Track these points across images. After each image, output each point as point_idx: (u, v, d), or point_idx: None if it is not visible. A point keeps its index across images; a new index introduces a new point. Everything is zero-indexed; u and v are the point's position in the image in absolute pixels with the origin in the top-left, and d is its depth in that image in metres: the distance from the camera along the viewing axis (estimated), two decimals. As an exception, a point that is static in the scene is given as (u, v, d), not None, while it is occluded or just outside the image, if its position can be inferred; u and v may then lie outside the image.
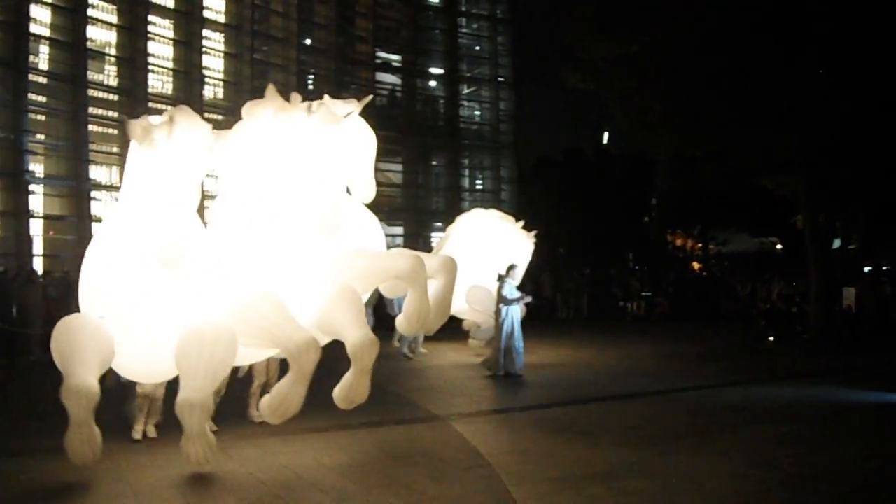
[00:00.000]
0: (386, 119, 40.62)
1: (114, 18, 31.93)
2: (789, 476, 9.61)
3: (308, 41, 39.41)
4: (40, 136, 29.44)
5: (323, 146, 10.02)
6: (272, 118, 9.95)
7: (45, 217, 29.39)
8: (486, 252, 20.21)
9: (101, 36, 31.70)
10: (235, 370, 11.92)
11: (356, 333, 9.80)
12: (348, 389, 10.00)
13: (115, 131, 31.42)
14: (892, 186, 25.77)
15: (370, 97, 11.52)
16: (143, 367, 10.26)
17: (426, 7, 44.90)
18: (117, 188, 30.41)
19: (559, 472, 9.70)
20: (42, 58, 29.80)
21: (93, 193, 30.21)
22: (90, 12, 30.67)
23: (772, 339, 24.57)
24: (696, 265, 47.72)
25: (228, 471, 9.65)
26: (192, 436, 9.12)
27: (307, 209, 9.76)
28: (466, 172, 46.08)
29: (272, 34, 37.40)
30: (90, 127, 30.25)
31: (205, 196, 10.98)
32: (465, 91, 46.42)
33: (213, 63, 35.13)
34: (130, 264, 9.47)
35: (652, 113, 27.04)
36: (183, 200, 9.95)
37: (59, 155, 29.86)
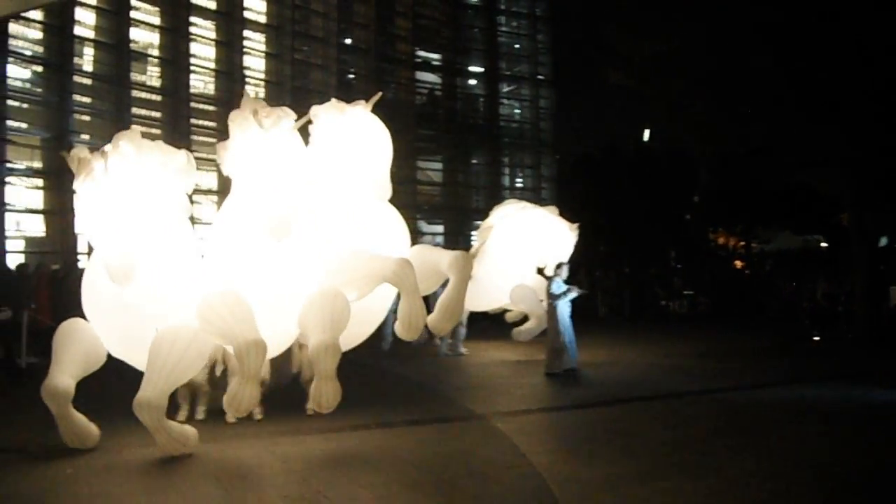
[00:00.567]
0: (426, 118, 40.74)
1: (156, 20, 32.21)
2: (832, 478, 9.53)
3: (348, 41, 39.52)
4: (85, 137, 29.72)
5: (274, 153, 10.72)
6: (234, 129, 11.02)
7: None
8: (529, 245, 20.24)
9: (144, 37, 32.00)
10: (281, 363, 12.46)
11: (316, 338, 10.44)
12: (317, 395, 10.52)
13: (158, 132, 31.69)
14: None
15: (379, 95, 12.19)
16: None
17: (466, 6, 44.87)
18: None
19: (601, 471, 9.64)
20: (87, 59, 30.12)
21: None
22: (133, 14, 30.98)
23: (816, 338, 24.31)
24: (738, 263, 47.33)
25: (270, 466, 9.72)
26: (153, 430, 9.83)
27: (259, 213, 10.53)
28: (506, 171, 46.08)
29: (312, 34, 37.53)
30: (134, 127, 30.38)
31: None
32: (505, 89, 46.35)
33: (255, 63, 35.33)
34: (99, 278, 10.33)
35: (694, 110, 26.92)
36: (142, 218, 10.25)
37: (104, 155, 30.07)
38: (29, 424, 11.86)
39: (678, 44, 25.49)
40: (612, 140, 46.91)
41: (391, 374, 16.47)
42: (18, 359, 17.05)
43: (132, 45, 30.79)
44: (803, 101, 23.49)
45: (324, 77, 37.24)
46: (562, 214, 21.13)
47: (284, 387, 13.37)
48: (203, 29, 33.61)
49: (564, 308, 17.22)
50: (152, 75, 32.29)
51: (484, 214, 21.83)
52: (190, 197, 10.97)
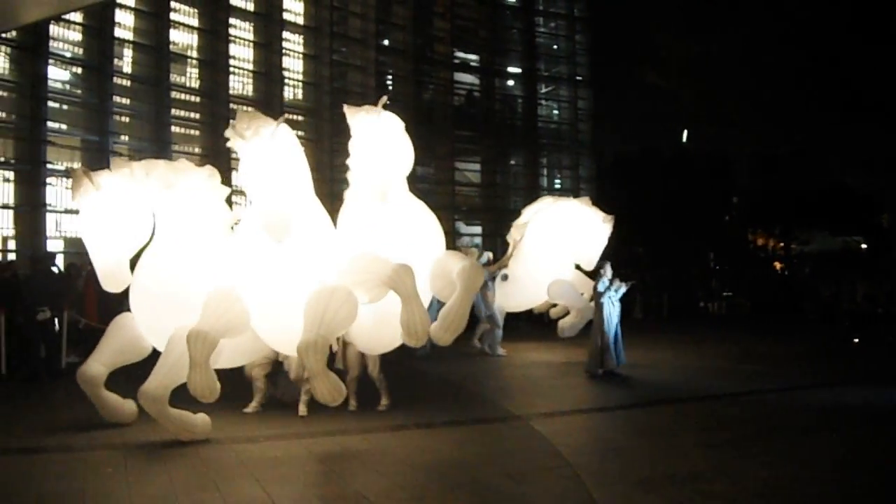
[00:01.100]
0: (464, 119, 40.68)
1: (195, 22, 32.30)
2: (872, 482, 9.45)
3: (386, 42, 39.50)
4: (125, 138, 29.88)
5: (268, 159, 10.97)
6: (233, 139, 11.38)
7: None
8: (564, 239, 20.19)
9: (183, 39, 32.10)
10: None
11: (303, 336, 10.73)
12: (314, 392, 10.93)
13: (198, 133, 31.86)
14: None
15: (384, 99, 12.77)
16: None
17: (503, 6, 44.74)
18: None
19: (641, 473, 9.61)
20: (126, 61, 30.25)
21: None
22: (172, 16, 31.10)
23: (856, 340, 24.14)
24: (777, 265, 47.08)
25: (309, 465, 9.75)
26: (156, 418, 10.96)
27: (257, 216, 11.03)
28: (545, 172, 45.90)
29: (351, 35, 37.53)
30: (173, 128, 30.67)
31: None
32: (543, 90, 46.19)
33: (293, 64, 35.36)
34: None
35: (733, 111, 26.81)
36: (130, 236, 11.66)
37: (142, 156, 30.23)
38: (68, 424, 11.99)
39: (717, 45, 25.41)
40: (650, 141, 46.75)
41: (429, 376, 16.45)
42: (59, 358, 17.12)
43: (171, 47, 30.89)
44: (845, 101, 23.33)
45: (362, 78, 37.25)
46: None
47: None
48: (242, 30, 33.70)
49: (610, 307, 17.10)
50: (191, 77, 32.41)
51: (522, 215, 21.74)
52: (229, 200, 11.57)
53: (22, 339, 16.75)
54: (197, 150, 31.76)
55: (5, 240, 26.47)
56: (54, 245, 26.87)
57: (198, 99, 32.07)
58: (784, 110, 24.88)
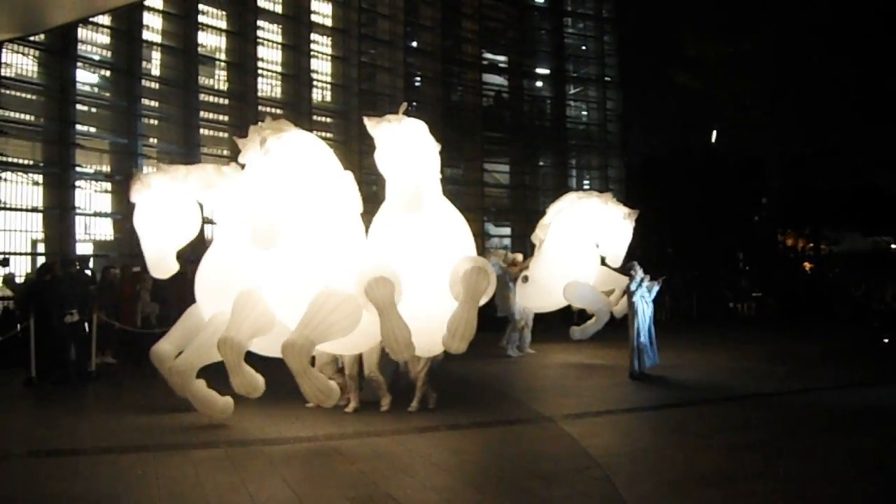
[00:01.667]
0: (493, 120, 40.64)
1: (223, 24, 32.37)
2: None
3: (414, 43, 39.47)
4: (153, 141, 29.97)
5: (259, 171, 11.41)
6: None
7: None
8: (585, 237, 20.09)
9: (212, 41, 32.19)
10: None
11: (290, 336, 11.21)
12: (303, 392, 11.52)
13: (226, 135, 31.90)
14: None
15: (404, 106, 12.41)
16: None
17: (532, 7, 44.68)
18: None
19: (670, 474, 9.56)
20: (154, 64, 30.35)
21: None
22: (201, 18, 31.17)
23: (886, 341, 23.98)
24: (807, 265, 46.88)
25: (338, 467, 9.71)
26: (185, 394, 12.37)
27: (247, 225, 11.38)
28: (574, 173, 45.73)
29: (379, 37, 37.52)
30: (201, 131, 30.71)
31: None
32: (572, 91, 46.06)
33: (321, 66, 35.40)
34: None
35: (763, 111, 26.69)
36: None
37: (171, 159, 30.33)
38: (97, 427, 12.03)
39: (748, 46, 25.31)
40: (679, 141, 46.61)
41: (458, 377, 16.37)
42: (88, 360, 17.19)
43: (199, 50, 30.96)
44: (876, 101, 23.18)
45: (391, 80, 37.24)
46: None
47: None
48: (270, 33, 33.74)
49: (642, 306, 16.99)
50: (220, 79, 32.47)
51: (552, 217, 21.60)
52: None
53: (52, 342, 16.78)
54: (225, 152, 31.77)
55: (35, 243, 26.59)
56: (83, 248, 26.95)
57: (226, 101, 32.14)
58: (814, 110, 24.73)
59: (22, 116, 26.06)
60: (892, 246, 47.33)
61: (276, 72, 33.66)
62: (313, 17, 34.77)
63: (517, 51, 42.72)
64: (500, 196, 41.59)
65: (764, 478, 9.36)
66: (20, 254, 25.45)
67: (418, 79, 39.57)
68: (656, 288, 17.42)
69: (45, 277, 17.64)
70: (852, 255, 45.51)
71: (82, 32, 27.34)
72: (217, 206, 13.56)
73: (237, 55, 32.22)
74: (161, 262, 12.86)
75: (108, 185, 28.45)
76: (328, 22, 35.97)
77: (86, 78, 28.10)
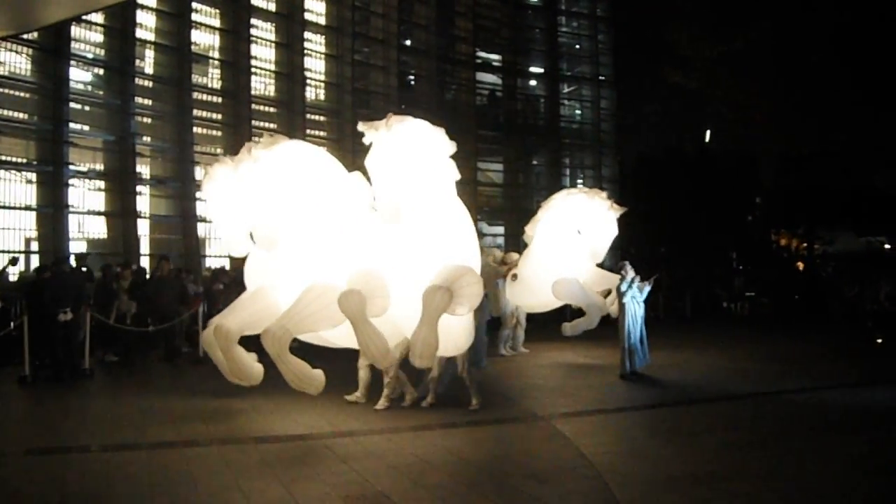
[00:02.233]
0: (487, 119, 40.67)
1: (217, 22, 32.36)
2: (896, 482, 9.39)
3: (408, 42, 39.50)
4: (147, 139, 29.94)
5: (259, 178, 12.60)
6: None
7: (152, 217, 29.90)
8: (571, 234, 20.07)
9: (205, 40, 32.17)
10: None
11: (270, 324, 12.11)
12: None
13: (220, 133, 31.90)
14: None
15: (390, 116, 12.63)
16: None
17: (526, 6, 44.71)
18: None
19: (663, 473, 9.57)
20: (148, 62, 30.34)
21: (198, 194, 30.63)
22: (194, 17, 31.19)
23: (880, 340, 24.04)
24: (800, 265, 46.90)
25: (331, 466, 9.70)
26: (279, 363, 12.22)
27: (254, 228, 12.61)
28: (567, 172, 45.76)
29: (372, 35, 37.51)
30: (195, 129, 30.71)
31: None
32: (566, 90, 46.15)
33: (315, 65, 35.39)
34: None
35: (756, 110, 26.71)
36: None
37: (164, 157, 30.37)
38: (91, 424, 12.05)
39: (741, 44, 25.33)
40: (673, 141, 46.66)
41: (450, 376, 16.38)
42: (82, 359, 17.19)
43: (193, 48, 30.95)
44: (872, 101, 23.20)
45: (384, 78, 37.25)
46: (623, 214, 20.94)
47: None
48: (263, 31, 33.73)
49: (633, 306, 17.01)
50: (213, 77, 32.46)
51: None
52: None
53: (47, 341, 16.78)
54: (219, 150, 31.77)
55: (28, 241, 26.56)
56: (77, 246, 26.92)
57: (219, 99, 32.13)
58: (809, 110, 24.75)
59: (15, 114, 26.03)
60: (886, 246, 47.37)
61: (269, 70, 33.64)
62: (307, 16, 34.76)
63: (511, 49, 42.75)
64: (494, 195, 41.62)
65: (758, 477, 9.35)
66: (13, 252, 25.42)
67: (412, 77, 39.62)
68: (647, 288, 17.44)
69: (45, 275, 17.62)
70: (846, 255, 45.59)
71: (76, 30, 27.35)
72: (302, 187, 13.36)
73: (231, 53, 32.20)
74: (234, 244, 13.52)
75: (101, 184, 28.40)
76: (322, 20, 35.97)
77: (79, 76, 28.09)
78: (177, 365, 19.29)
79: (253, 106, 31.91)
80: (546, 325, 23.38)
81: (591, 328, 20.52)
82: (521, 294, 20.65)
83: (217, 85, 32.36)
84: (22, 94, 26.56)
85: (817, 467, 9.79)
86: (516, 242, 35.36)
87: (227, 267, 25.30)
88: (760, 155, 39.43)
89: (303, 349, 13.76)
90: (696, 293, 33.40)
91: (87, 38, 28.26)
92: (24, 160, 26.47)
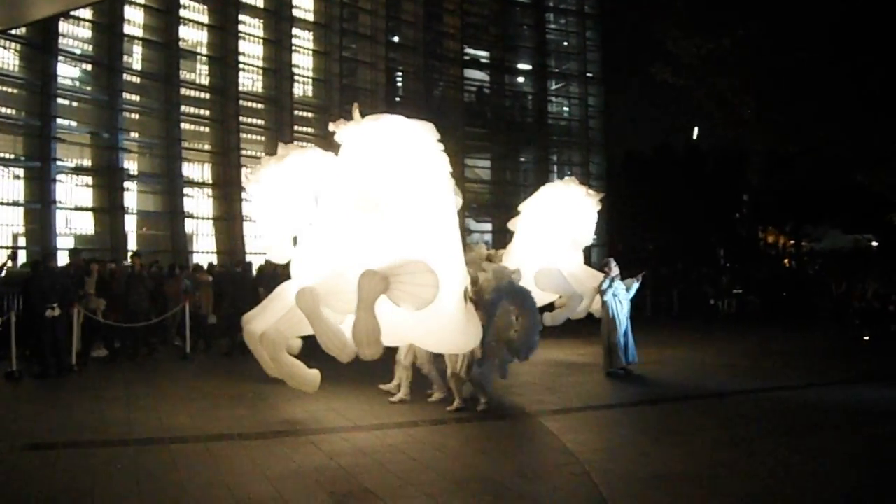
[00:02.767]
0: (474, 116, 40.69)
1: (205, 18, 32.37)
2: (884, 479, 9.39)
3: (396, 38, 39.54)
4: (134, 135, 29.98)
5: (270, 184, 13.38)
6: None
7: (139, 213, 29.89)
8: (552, 225, 19.96)
9: (193, 36, 32.16)
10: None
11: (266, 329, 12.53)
12: None
13: (207, 129, 31.89)
14: None
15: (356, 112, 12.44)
16: None
17: (514, 3, 44.74)
18: (208, 185, 30.90)
19: (650, 470, 9.56)
20: (136, 58, 30.37)
21: (185, 190, 30.65)
22: (182, 13, 31.21)
23: (867, 338, 24.09)
24: (787, 262, 47.01)
25: (319, 464, 9.69)
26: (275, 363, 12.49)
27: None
28: (555, 168, 45.77)
29: (360, 32, 37.53)
30: (182, 125, 30.72)
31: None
32: (554, 87, 46.24)
33: (303, 61, 35.42)
34: None
35: (744, 108, 26.70)
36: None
37: (152, 152, 30.37)
38: (78, 421, 12.04)
39: (728, 41, 25.31)
40: (661, 138, 46.76)
41: (439, 372, 16.39)
42: (69, 355, 17.15)
43: (181, 44, 30.96)
44: (857, 100, 23.22)
45: (372, 75, 37.27)
46: (610, 213, 20.92)
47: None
48: (251, 27, 33.74)
49: (615, 304, 17.01)
50: (201, 73, 32.45)
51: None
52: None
53: (34, 336, 16.75)
54: (207, 146, 31.83)
55: (15, 237, 26.53)
56: (64, 242, 26.89)
57: (207, 96, 32.15)
58: (797, 108, 24.75)
59: (2, 110, 26.04)
60: (873, 243, 47.51)
61: (257, 66, 33.66)
62: (295, 12, 34.78)
63: (499, 46, 42.82)
64: (482, 191, 41.61)
65: (746, 474, 9.37)
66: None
67: (400, 74, 39.61)
68: (636, 285, 17.45)
69: (39, 270, 17.56)
70: (833, 253, 45.69)
71: (63, 26, 27.33)
72: (321, 189, 13.26)
73: (218, 49, 32.20)
74: (276, 248, 13.61)
75: (88, 179, 28.38)
76: (309, 17, 35.99)
77: (67, 72, 28.08)
78: (138, 364, 18.99)
79: (241, 102, 31.94)
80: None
81: (573, 317, 20.37)
82: None
83: (205, 81, 32.37)
84: (9, 90, 26.56)
85: (805, 464, 9.80)
86: (504, 239, 35.41)
87: (213, 263, 25.32)
88: (748, 152, 39.44)
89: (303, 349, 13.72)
90: (683, 290, 33.42)
91: (75, 33, 28.26)
92: (12, 156, 26.46)
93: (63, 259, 21.82)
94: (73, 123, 28.36)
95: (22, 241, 26.53)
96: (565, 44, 46.52)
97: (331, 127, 12.37)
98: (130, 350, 19.22)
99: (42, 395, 14.85)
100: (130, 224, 29.41)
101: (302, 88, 35.40)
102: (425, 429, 11.66)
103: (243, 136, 32.05)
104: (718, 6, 25.28)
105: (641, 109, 50.00)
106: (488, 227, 41.42)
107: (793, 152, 30.09)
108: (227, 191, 31.62)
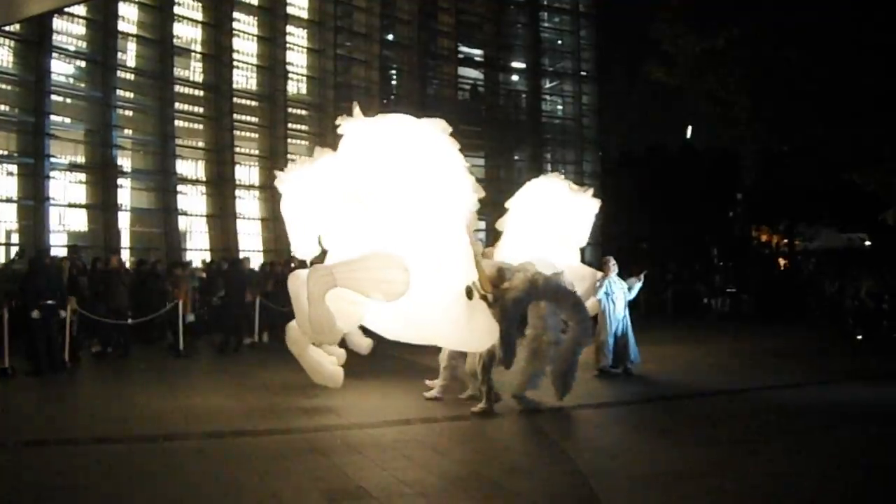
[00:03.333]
0: (468, 114, 40.64)
1: (199, 15, 32.35)
2: (877, 478, 9.39)
3: (391, 36, 39.52)
4: (128, 132, 29.95)
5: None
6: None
7: (133, 210, 29.88)
8: (547, 221, 19.81)
9: (187, 33, 32.16)
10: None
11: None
12: None
13: (201, 127, 31.86)
14: None
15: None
16: None
17: (508, 1, 44.72)
18: (202, 182, 30.87)
19: (642, 469, 9.57)
20: (130, 55, 30.34)
21: (179, 187, 30.63)
22: (176, 10, 31.20)
23: (860, 337, 24.11)
24: (781, 261, 47.01)
25: (310, 458, 9.71)
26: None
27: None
28: (549, 167, 45.64)
29: (355, 30, 37.52)
30: (176, 122, 30.70)
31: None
32: (548, 85, 46.22)
33: (297, 59, 35.41)
34: None
35: (738, 108, 26.76)
36: None
37: (146, 150, 30.34)
38: (71, 418, 12.06)
39: (722, 41, 25.38)
40: (655, 137, 46.79)
41: (432, 371, 16.39)
42: (62, 352, 17.12)
43: (175, 41, 30.95)
44: (851, 100, 23.27)
45: (366, 73, 37.27)
46: (604, 211, 20.83)
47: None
48: (246, 24, 33.71)
49: (607, 303, 16.95)
50: (195, 70, 32.44)
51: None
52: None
53: (27, 334, 16.72)
54: (200, 144, 31.81)
55: (9, 234, 26.51)
56: (57, 239, 26.86)
57: (201, 93, 32.13)
58: (791, 107, 24.84)
59: (-3, 106, 26.03)
60: (867, 242, 47.52)
61: (251, 63, 33.63)
62: (289, 10, 34.77)
63: (493, 45, 42.77)
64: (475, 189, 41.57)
65: (739, 474, 9.35)
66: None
67: (394, 72, 39.59)
68: (638, 285, 17.46)
69: (37, 266, 17.52)
70: (827, 252, 45.69)
71: (57, 23, 27.30)
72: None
73: (213, 47, 32.19)
74: (303, 246, 13.94)
75: (82, 176, 28.37)
76: (304, 14, 35.95)
77: (61, 69, 28.05)
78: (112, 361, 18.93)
79: (235, 99, 31.90)
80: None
81: None
82: None
83: (199, 78, 32.35)
84: (3, 86, 26.55)
85: (798, 464, 9.79)
86: (497, 237, 35.41)
87: (207, 260, 25.32)
88: (742, 151, 39.48)
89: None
90: (676, 289, 33.45)
91: (70, 30, 28.24)
92: (6, 152, 26.45)
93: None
94: (67, 120, 28.35)
95: (15, 238, 26.50)
96: (559, 42, 46.49)
97: (339, 121, 12.38)
98: (122, 349, 19.18)
99: (35, 392, 14.83)
100: (124, 221, 29.39)
101: (296, 86, 35.39)
102: (417, 427, 11.66)
103: (237, 133, 32.02)
104: (712, 5, 25.34)
105: (636, 108, 49.97)
106: (482, 224, 41.34)
107: (786, 151, 30.15)
108: (221, 188, 31.62)
